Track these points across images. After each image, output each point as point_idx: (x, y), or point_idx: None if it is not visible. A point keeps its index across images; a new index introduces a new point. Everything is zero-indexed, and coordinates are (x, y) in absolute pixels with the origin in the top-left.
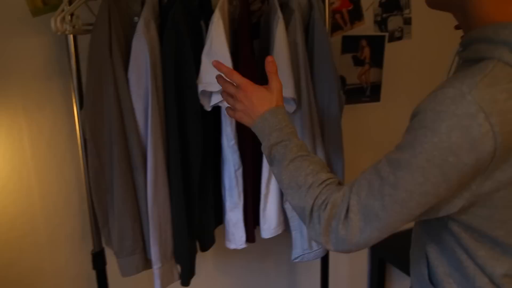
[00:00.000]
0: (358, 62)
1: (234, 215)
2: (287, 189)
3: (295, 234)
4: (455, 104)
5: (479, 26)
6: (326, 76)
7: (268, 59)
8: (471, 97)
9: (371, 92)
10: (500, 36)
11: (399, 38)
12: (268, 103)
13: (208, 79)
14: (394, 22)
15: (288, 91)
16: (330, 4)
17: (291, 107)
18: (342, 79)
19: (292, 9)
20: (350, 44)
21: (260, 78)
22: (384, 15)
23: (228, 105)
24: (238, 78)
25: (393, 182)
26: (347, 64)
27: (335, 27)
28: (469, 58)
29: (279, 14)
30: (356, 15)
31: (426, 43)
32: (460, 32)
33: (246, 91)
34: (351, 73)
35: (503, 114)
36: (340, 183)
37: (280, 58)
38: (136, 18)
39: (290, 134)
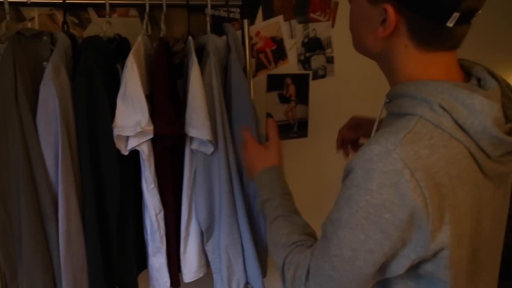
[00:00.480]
0: (284, 99)
1: (157, 260)
2: (270, 245)
3: (216, 277)
4: (382, 162)
5: (403, 81)
6: (244, 116)
7: (269, 121)
8: (396, 154)
9: (298, 128)
10: (422, 94)
11: (323, 76)
12: (264, 162)
13: (124, 123)
14: (317, 60)
15: (204, 134)
16: (254, 44)
17: (208, 149)
18: (269, 116)
19: (208, 52)
20: (275, 82)
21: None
22: (307, 54)
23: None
24: (245, 136)
25: (337, 242)
26: (274, 101)
27: (260, 66)
28: (393, 111)
29: (194, 57)
30: (280, 54)
31: (348, 80)
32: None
33: (249, 150)
34: (278, 110)
35: (427, 170)
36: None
37: (195, 101)
38: (45, 63)
39: (279, 194)
